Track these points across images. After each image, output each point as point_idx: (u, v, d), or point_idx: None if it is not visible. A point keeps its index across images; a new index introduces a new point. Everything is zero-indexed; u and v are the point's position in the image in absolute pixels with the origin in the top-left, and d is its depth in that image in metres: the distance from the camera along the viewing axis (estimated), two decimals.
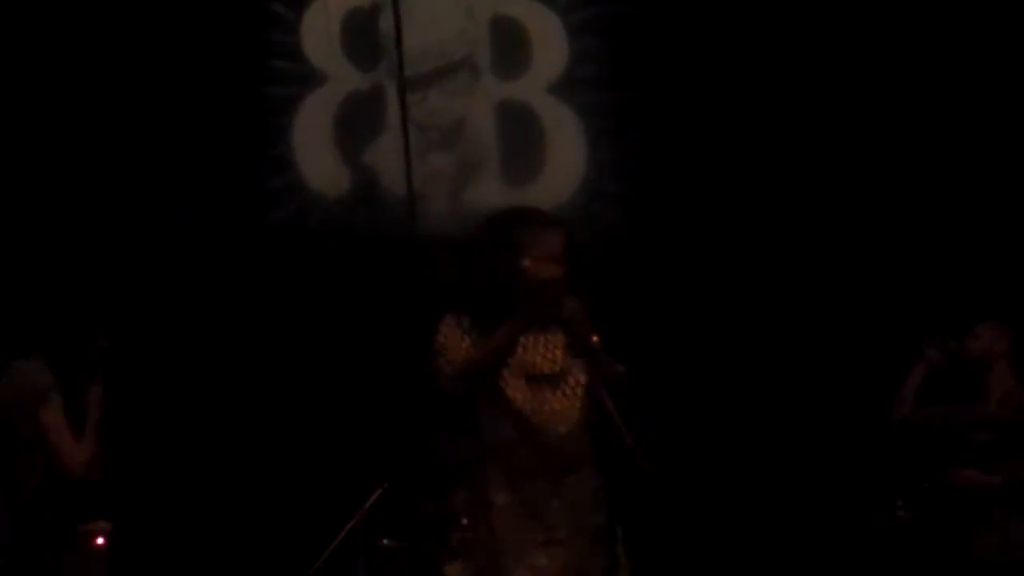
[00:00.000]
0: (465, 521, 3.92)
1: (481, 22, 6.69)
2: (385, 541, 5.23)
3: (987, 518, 4.97)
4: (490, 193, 6.50)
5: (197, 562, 5.67)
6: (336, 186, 6.44)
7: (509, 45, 6.71)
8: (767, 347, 6.45)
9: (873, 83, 6.60)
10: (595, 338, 3.70)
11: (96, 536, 4.47)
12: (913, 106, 6.58)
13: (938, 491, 5.07)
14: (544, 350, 3.78)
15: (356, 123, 6.48)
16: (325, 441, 5.90)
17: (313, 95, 6.49)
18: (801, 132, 6.59)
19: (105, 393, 4.40)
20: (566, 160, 6.74)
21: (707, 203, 6.65)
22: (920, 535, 5.11)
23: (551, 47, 6.73)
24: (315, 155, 6.43)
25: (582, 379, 3.78)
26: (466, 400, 3.73)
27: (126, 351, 4.52)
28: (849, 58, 6.60)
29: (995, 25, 6.46)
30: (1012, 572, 4.91)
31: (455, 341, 3.75)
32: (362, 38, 6.48)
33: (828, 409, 6.30)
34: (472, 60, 6.68)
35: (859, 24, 6.64)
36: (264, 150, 6.34)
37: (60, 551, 4.35)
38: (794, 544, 6.09)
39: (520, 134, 6.70)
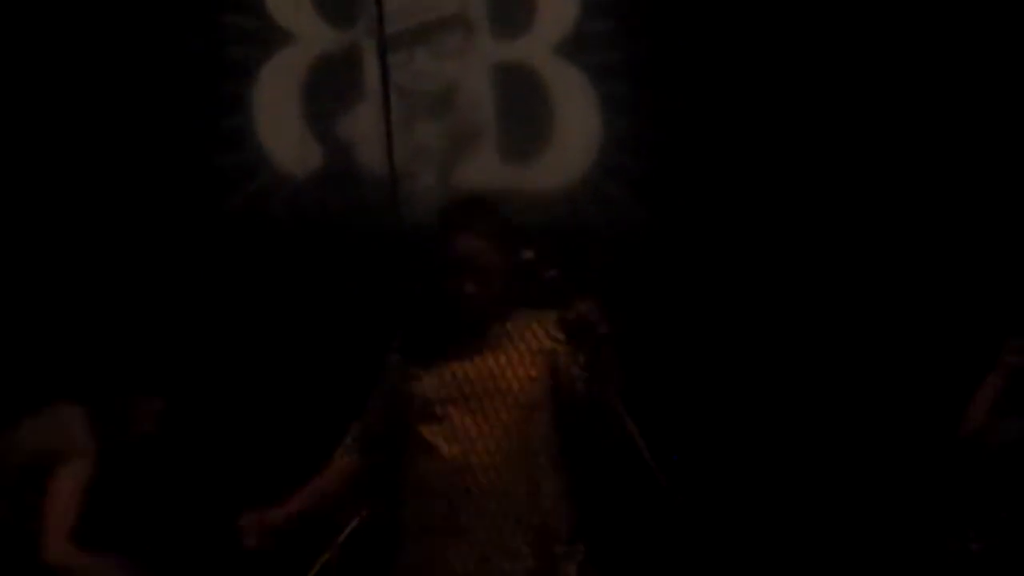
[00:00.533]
0: None
1: None
2: None
3: None
4: (486, 171, 6.26)
5: None
6: (304, 164, 6.16)
7: None
8: (808, 349, 6.10)
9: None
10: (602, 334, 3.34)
11: None
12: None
13: (1017, 521, 4.75)
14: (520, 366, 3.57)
15: (328, 90, 6.23)
16: (294, 456, 5.15)
17: (277, 57, 6.22)
18: (859, 101, 6.28)
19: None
20: (575, 132, 6.46)
21: (738, 181, 6.30)
22: (995, 572, 4.75)
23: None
24: (279, 127, 6.16)
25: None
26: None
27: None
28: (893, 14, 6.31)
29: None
30: None
31: (365, 424, 3.73)
32: None
33: (887, 421, 5.98)
34: (465, 15, 6.47)
35: None
36: (218, 121, 6.04)
37: None
38: None
39: (521, 102, 6.45)
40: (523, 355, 3.57)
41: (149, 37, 5.80)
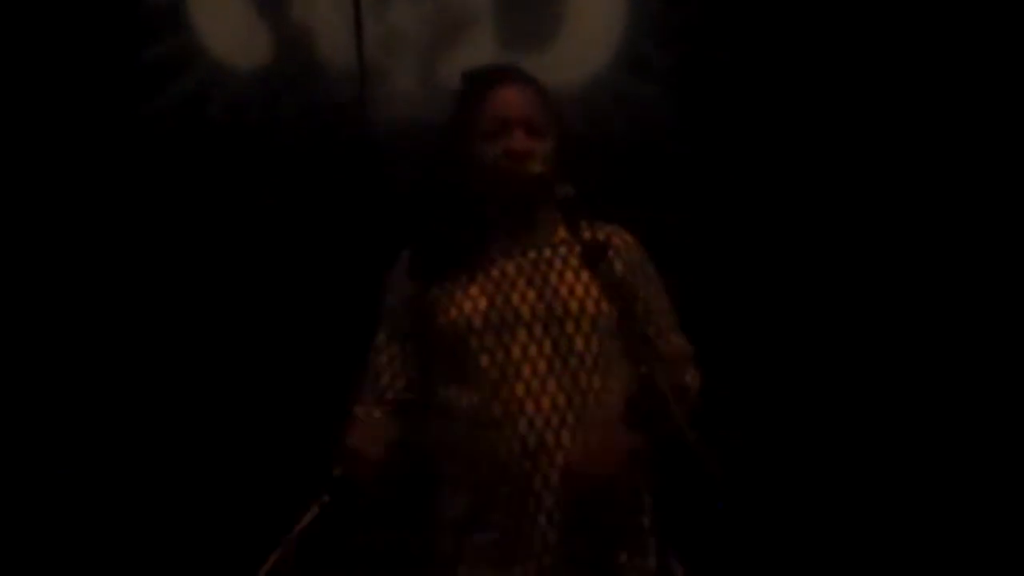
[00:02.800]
0: None
1: None
2: None
3: None
4: (479, 63, 5.23)
5: None
6: (250, 55, 5.66)
7: None
8: (885, 300, 5.70)
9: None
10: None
11: None
12: None
13: None
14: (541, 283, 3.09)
15: None
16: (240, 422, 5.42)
17: None
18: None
19: None
20: (592, 16, 5.87)
21: (790, 76, 5.83)
22: None
23: None
24: (219, 10, 5.67)
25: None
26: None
27: None
28: None
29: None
30: None
31: (382, 361, 3.16)
32: None
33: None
34: None
35: None
36: (141, 2, 5.58)
37: None
38: None
39: None
40: (583, 271, 3.10)
41: None
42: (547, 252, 3.12)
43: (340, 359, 5.17)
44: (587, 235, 3.00)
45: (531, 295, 3.06)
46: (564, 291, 3.07)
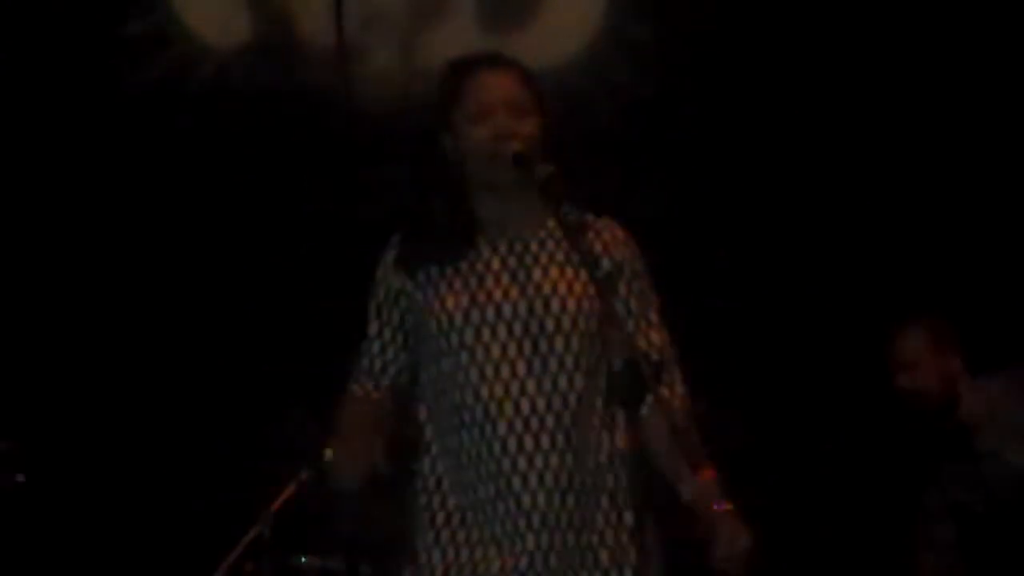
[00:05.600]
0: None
1: None
2: (303, 559, 4.68)
3: None
4: (460, 42, 5.64)
5: None
6: (231, 33, 5.73)
7: None
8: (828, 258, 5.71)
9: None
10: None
11: None
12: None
13: None
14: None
15: None
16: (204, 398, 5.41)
17: None
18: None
19: None
20: None
21: (772, 57, 5.80)
22: None
23: None
24: None
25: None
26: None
27: None
28: None
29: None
30: None
31: (374, 350, 3.13)
32: None
33: None
34: None
35: None
36: None
37: None
38: None
39: None
40: (567, 268, 3.07)
41: None
42: (533, 246, 3.11)
43: (320, 335, 5.17)
44: (571, 218, 3.01)
45: (513, 292, 3.04)
46: (547, 288, 3.06)
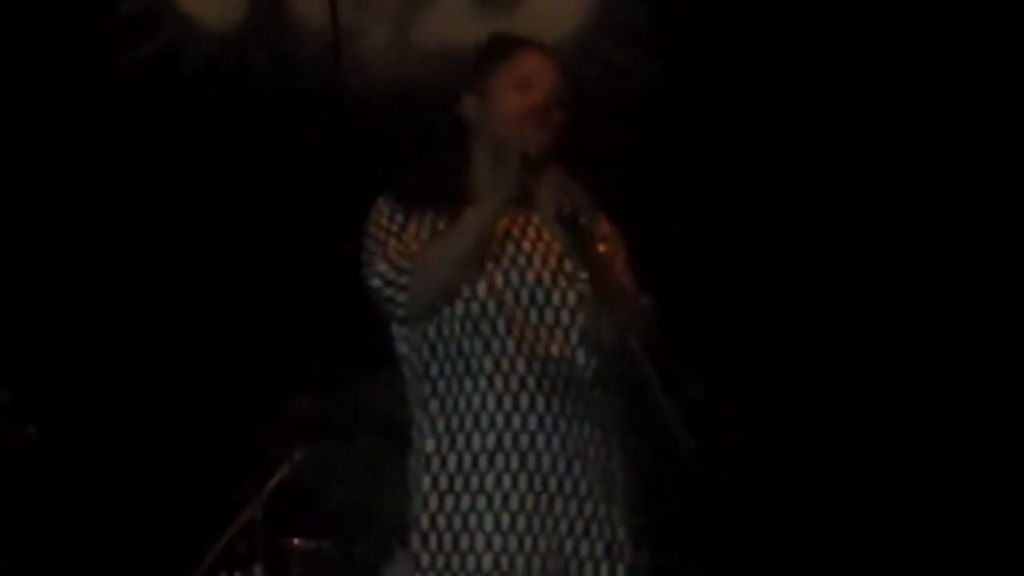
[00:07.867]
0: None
1: None
2: (295, 541, 4.65)
3: None
4: (454, 24, 5.75)
5: None
6: (224, 12, 5.69)
7: None
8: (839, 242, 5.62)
9: None
10: (600, 246, 3.03)
11: None
12: None
13: None
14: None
15: None
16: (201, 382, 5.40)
17: None
18: None
19: None
20: None
21: (771, 34, 5.72)
22: None
23: None
24: None
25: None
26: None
27: None
28: None
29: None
30: None
31: (400, 233, 3.13)
32: None
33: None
34: None
35: None
36: None
37: None
38: None
39: None
40: (566, 259, 3.12)
41: None
42: (531, 231, 3.14)
43: (313, 310, 5.29)
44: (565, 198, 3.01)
45: (515, 279, 3.07)
46: (547, 279, 3.09)
